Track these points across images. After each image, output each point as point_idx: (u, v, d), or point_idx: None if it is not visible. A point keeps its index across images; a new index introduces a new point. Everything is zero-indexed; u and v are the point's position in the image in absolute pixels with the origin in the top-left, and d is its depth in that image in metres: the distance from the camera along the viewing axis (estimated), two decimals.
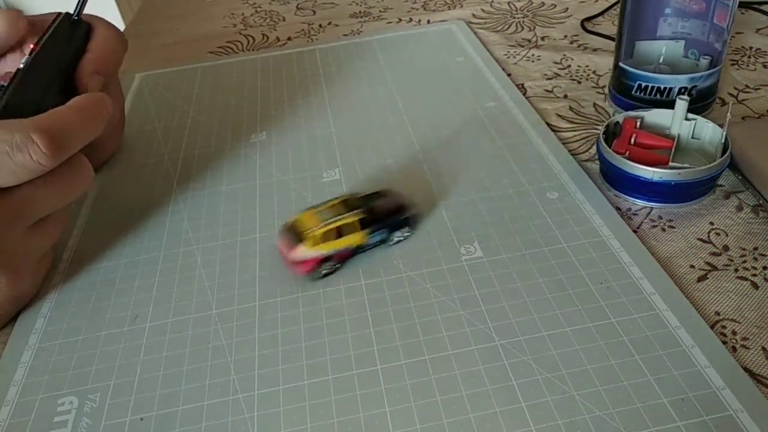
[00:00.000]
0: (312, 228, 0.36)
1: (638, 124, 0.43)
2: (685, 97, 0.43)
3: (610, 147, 0.40)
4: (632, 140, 0.41)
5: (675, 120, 0.43)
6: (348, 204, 0.37)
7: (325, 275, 0.37)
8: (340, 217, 0.36)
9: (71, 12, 0.42)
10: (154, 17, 0.81)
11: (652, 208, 0.40)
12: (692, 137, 0.43)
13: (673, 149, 0.41)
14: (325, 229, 0.36)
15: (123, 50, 0.46)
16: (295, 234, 0.36)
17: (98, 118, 0.37)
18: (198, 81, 0.62)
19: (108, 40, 0.43)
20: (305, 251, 0.36)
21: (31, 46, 0.39)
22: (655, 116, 0.44)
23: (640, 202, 0.41)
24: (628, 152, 0.40)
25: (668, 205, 0.40)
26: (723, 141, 0.40)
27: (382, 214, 0.38)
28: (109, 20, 0.45)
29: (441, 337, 0.33)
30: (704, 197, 0.41)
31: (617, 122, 0.43)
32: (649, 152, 0.41)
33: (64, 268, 0.40)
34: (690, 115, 0.43)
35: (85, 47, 0.42)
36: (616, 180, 0.41)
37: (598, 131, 0.43)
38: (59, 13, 0.41)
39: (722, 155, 0.39)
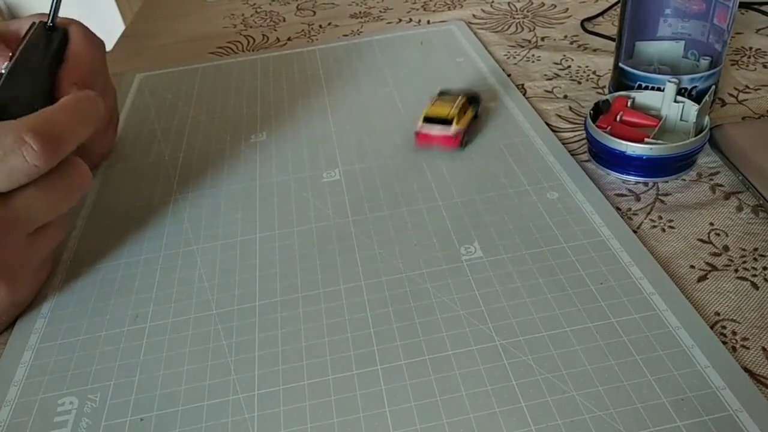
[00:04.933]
0: (450, 111, 0.46)
1: (629, 103, 0.45)
2: (675, 79, 0.44)
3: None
4: (618, 117, 0.44)
5: (665, 102, 0.45)
6: (450, 94, 0.48)
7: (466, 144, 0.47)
8: (460, 100, 0.47)
9: (45, 21, 0.41)
10: (153, 17, 0.81)
11: (652, 208, 0.40)
12: (681, 119, 0.45)
13: (657, 128, 0.43)
14: (460, 109, 0.46)
15: (101, 53, 0.45)
16: (440, 119, 0.46)
17: (89, 116, 0.36)
18: (198, 81, 0.62)
19: (82, 47, 0.42)
20: (458, 128, 0.45)
21: (9, 54, 0.39)
22: (646, 97, 0.46)
23: (617, 175, 0.43)
24: (610, 127, 0.42)
25: (645, 179, 0.42)
26: (695, 120, 0.42)
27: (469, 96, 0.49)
28: (83, 24, 0.44)
29: (441, 337, 0.33)
30: (681, 173, 0.43)
31: (606, 100, 0.45)
32: (631, 129, 0.43)
33: (64, 269, 0.40)
34: (679, 98, 0.44)
35: (64, 54, 0.41)
36: (597, 154, 0.44)
37: None
38: (34, 22, 0.41)
39: (700, 134, 0.41)
